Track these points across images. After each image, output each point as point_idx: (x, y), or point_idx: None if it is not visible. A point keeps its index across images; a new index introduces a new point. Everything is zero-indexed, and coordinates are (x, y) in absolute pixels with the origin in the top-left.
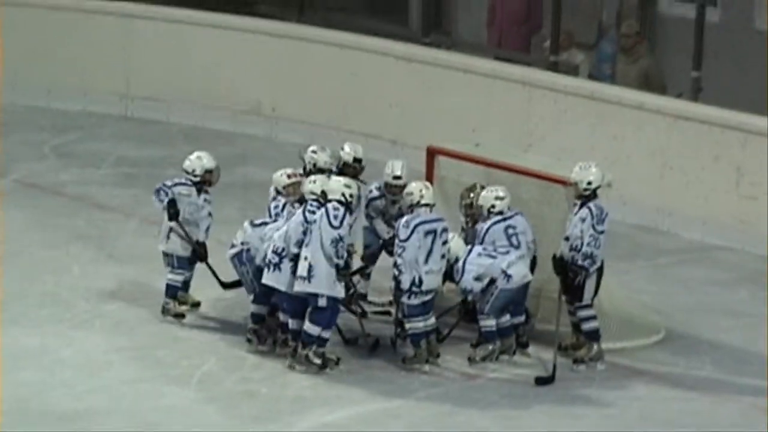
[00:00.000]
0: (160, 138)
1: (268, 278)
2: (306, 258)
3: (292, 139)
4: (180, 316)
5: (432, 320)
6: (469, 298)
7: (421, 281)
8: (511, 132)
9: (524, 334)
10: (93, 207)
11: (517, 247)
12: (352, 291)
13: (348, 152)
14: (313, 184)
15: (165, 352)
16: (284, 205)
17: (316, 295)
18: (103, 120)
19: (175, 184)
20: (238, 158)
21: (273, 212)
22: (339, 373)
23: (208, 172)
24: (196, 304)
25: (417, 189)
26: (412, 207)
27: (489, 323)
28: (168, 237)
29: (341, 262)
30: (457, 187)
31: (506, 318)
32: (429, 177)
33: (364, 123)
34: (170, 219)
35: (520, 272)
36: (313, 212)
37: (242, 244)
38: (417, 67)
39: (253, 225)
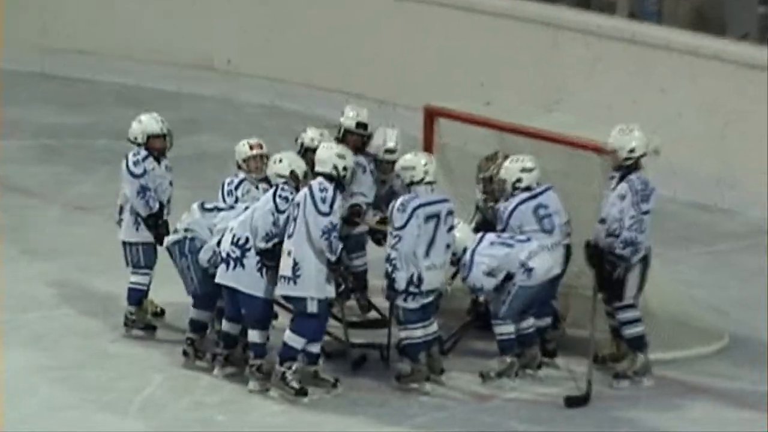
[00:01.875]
0: (87, 101)
1: (226, 277)
2: (290, 253)
3: (253, 99)
4: (150, 328)
5: (434, 327)
6: (480, 298)
7: (420, 279)
8: (531, 86)
9: (551, 342)
10: (6, 190)
11: (550, 231)
12: (342, 288)
13: (350, 116)
14: (279, 164)
15: (98, 372)
16: (240, 183)
17: (302, 300)
18: (16, 79)
19: (137, 162)
20: (187, 125)
21: (226, 192)
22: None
23: (154, 137)
24: (160, 313)
25: (418, 163)
26: (410, 185)
27: (506, 330)
28: (136, 226)
29: (334, 257)
30: (463, 158)
31: (528, 322)
32: (427, 146)
33: (342, 78)
34: (158, 240)
35: (543, 264)
36: (287, 198)
37: (186, 230)
38: (409, 5)
39: (203, 209)
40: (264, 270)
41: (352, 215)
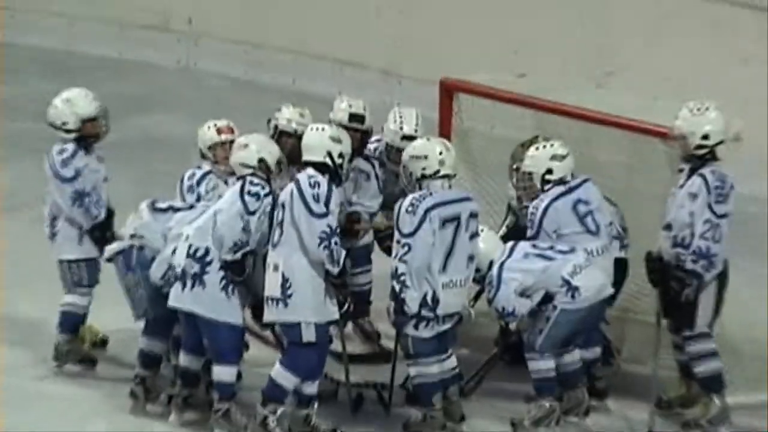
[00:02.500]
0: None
1: (182, 299)
2: (276, 267)
3: (219, 69)
4: (89, 362)
5: (452, 363)
6: (511, 325)
7: (436, 300)
8: (575, 55)
9: (602, 380)
10: None
11: (595, 232)
12: (346, 308)
13: (342, 107)
14: (243, 151)
15: (20, 418)
16: (203, 176)
17: (296, 326)
18: None
19: (66, 162)
20: (133, 102)
21: (186, 188)
22: None
23: (88, 121)
24: (103, 343)
25: (431, 151)
26: (421, 180)
27: (544, 366)
28: (79, 239)
29: (336, 268)
30: (491, 146)
31: (573, 356)
32: (444, 130)
33: (336, 44)
34: (103, 242)
35: (592, 282)
36: (257, 195)
37: (132, 237)
38: None
39: (155, 209)
40: (230, 288)
41: (350, 223)
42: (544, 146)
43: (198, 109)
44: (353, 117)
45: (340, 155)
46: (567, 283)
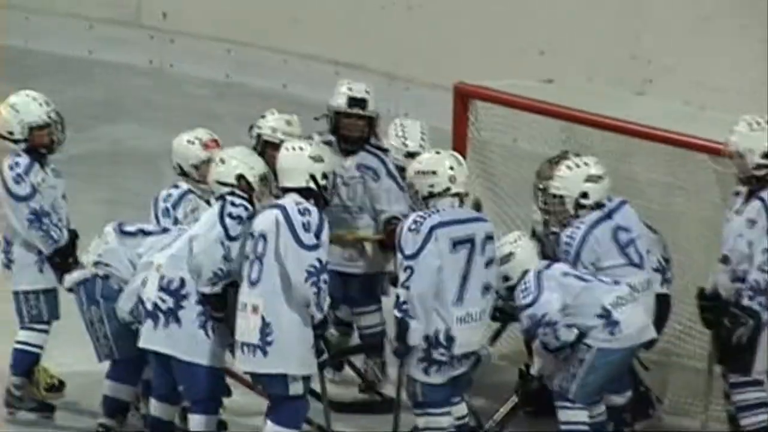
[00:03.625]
0: None
1: (154, 338)
2: (255, 309)
3: (199, 72)
4: (46, 408)
5: (462, 410)
6: (533, 369)
7: (450, 338)
8: (609, 58)
9: (632, 427)
10: None
11: (639, 265)
12: (324, 356)
13: (341, 91)
14: (220, 167)
15: None
16: (181, 197)
17: (280, 378)
18: None
19: (19, 178)
20: (101, 108)
21: (162, 211)
22: None
23: (36, 129)
24: (59, 386)
25: (440, 165)
26: (428, 198)
27: (575, 418)
28: (39, 266)
29: (320, 314)
30: (512, 161)
31: (600, 408)
32: (458, 142)
33: (332, 43)
34: (65, 269)
35: (635, 320)
36: (240, 218)
37: (96, 264)
38: None
39: (122, 232)
40: (209, 325)
41: (389, 236)
42: (578, 165)
43: (173, 118)
44: (353, 101)
45: (324, 176)
46: (607, 314)
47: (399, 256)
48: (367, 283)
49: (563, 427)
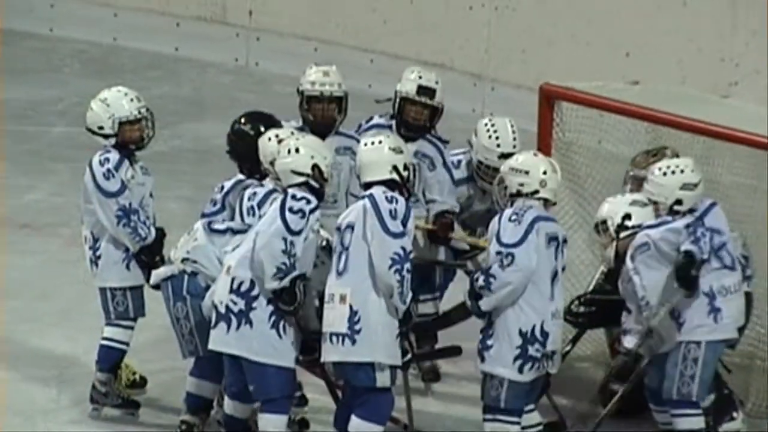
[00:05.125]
0: (36, 66)
1: (225, 341)
2: (343, 298)
3: (284, 69)
4: (132, 405)
5: (536, 417)
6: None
7: (545, 333)
8: (696, 60)
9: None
10: None
11: (732, 267)
12: (409, 356)
13: (411, 78)
14: (292, 156)
15: None
16: (266, 195)
17: (367, 367)
18: None
19: (109, 173)
20: (187, 105)
21: (246, 210)
22: None
23: (127, 124)
24: (141, 383)
25: (535, 167)
26: (516, 197)
27: (699, 424)
28: (126, 263)
29: (403, 305)
30: (596, 163)
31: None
32: (543, 143)
33: (420, 43)
34: (154, 267)
35: (734, 311)
36: (302, 212)
37: (184, 261)
38: None
39: (211, 230)
40: (282, 325)
41: (443, 226)
42: (674, 171)
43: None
44: (422, 90)
45: (405, 167)
46: (711, 299)
47: (496, 245)
48: (421, 272)
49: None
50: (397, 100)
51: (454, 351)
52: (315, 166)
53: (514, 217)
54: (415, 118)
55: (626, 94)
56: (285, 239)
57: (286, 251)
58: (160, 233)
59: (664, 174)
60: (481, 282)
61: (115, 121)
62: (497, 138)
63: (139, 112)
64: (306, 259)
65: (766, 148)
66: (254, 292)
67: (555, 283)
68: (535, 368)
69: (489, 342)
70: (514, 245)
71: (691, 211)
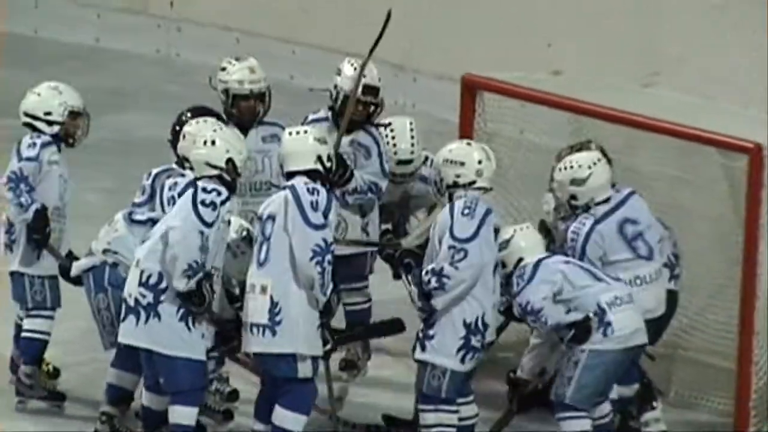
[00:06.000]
0: None
1: (133, 334)
2: (264, 289)
3: (207, 60)
4: (57, 397)
5: (474, 408)
6: (519, 371)
7: (486, 325)
8: (619, 49)
9: (637, 419)
10: None
11: (648, 257)
12: (330, 346)
13: (349, 75)
14: (208, 147)
15: None
16: (187, 186)
17: (289, 358)
18: None
19: (34, 144)
20: (110, 96)
21: (167, 200)
22: None
23: (74, 115)
24: (54, 374)
25: (469, 157)
26: (453, 188)
27: (579, 426)
28: (38, 255)
29: (323, 297)
30: (518, 153)
31: (604, 408)
32: (465, 133)
33: (341, 34)
34: (41, 243)
35: (629, 323)
36: (213, 204)
37: (105, 252)
38: None
39: (132, 221)
40: (190, 318)
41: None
42: (565, 168)
43: (181, 107)
44: (367, 89)
45: (329, 158)
46: (601, 313)
47: (449, 240)
48: (357, 261)
49: None
50: (339, 96)
51: (395, 327)
52: (229, 160)
53: (466, 211)
54: (357, 114)
55: (548, 85)
56: (201, 233)
57: (201, 247)
58: (43, 210)
59: (559, 170)
60: (434, 284)
61: (66, 109)
62: (394, 145)
63: (81, 103)
64: (214, 253)
65: (687, 138)
66: (162, 285)
67: (496, 275)
68: (475, 358)
69: (431, 332)
70: (467, 240)
71: (606, 200)
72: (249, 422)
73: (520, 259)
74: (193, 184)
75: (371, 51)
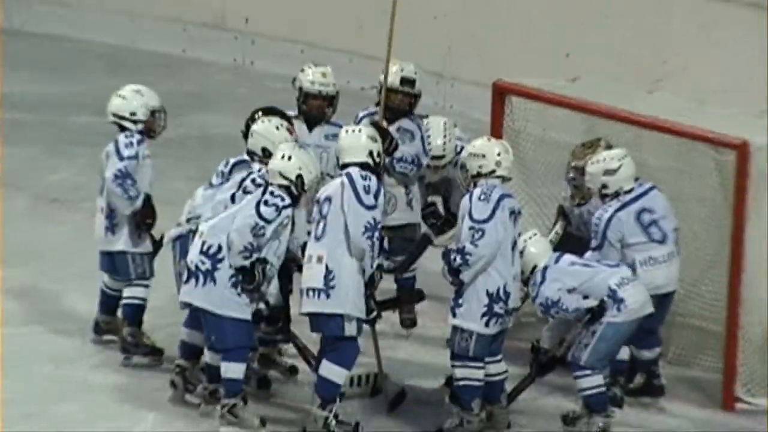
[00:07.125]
0: (66, 66)
1: (190, 294)
2: (320, 259)
3: (275, 69)
4: (157, 352)
5: (503, 366)
6: (543, 341)
7: (507, 294)
8: (629, 59)
9: (660, 377)
10: None
11: (661, 241)
12: (373, 315)
13: (393, 71)
14: (284, 161)
15: (76, 407)
16: (236, 163)
17: (337, 318)
18: None
19: (131, 144)
20: (191, 99)
21: (217, 173)
22: None
23: (155, 113)
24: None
25: (490, 151)
26: (477, 177)
27: (592, 383)
28: (139, 234)
29: (371, 269)
30: (542, 149)
31: (605, 373)
32: (496, 131)
33: (394, 47)
34: (150, 227)
35: (638, 297)
36: (276, 207)
37: (189, 221)
38: None
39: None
40: (240, 287)
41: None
42: (598, 161)
43: (253, 108)
44: (404, 81)
45: (379, 153)
46: (613, 293)
47: (468, 221)
48: (406, 233)
49: (586, 392)
50: (379, 90)
51: (417, 296)
52: (299, 176)
53: (483, 197)
54: (400, 104)
55: (567, 90)
56: (257, 224)
57: (256, 233)
58: (147, 198)
59: (592, 164)
60: (459, 261)
61: (148, 109)
62: (429, 143)
63: (159, 103)
64: (273, 249)
65: (685, 136)
66: (220, 255)
67: (515, 250)
68: (499, 323)
69: (460, 301)
70: (485, 221)
71: (626, 192)
72: (312, 378)
73: (535, 266)
74: (265, 185)
75: (388, 52)
